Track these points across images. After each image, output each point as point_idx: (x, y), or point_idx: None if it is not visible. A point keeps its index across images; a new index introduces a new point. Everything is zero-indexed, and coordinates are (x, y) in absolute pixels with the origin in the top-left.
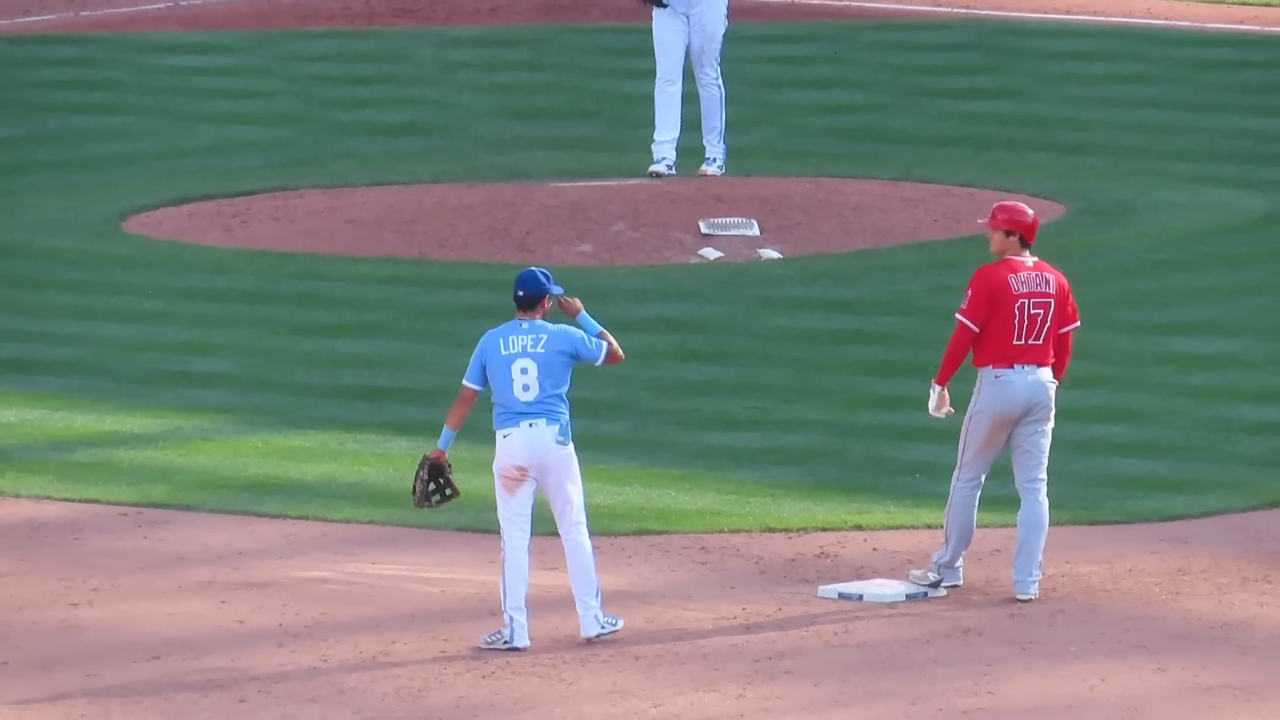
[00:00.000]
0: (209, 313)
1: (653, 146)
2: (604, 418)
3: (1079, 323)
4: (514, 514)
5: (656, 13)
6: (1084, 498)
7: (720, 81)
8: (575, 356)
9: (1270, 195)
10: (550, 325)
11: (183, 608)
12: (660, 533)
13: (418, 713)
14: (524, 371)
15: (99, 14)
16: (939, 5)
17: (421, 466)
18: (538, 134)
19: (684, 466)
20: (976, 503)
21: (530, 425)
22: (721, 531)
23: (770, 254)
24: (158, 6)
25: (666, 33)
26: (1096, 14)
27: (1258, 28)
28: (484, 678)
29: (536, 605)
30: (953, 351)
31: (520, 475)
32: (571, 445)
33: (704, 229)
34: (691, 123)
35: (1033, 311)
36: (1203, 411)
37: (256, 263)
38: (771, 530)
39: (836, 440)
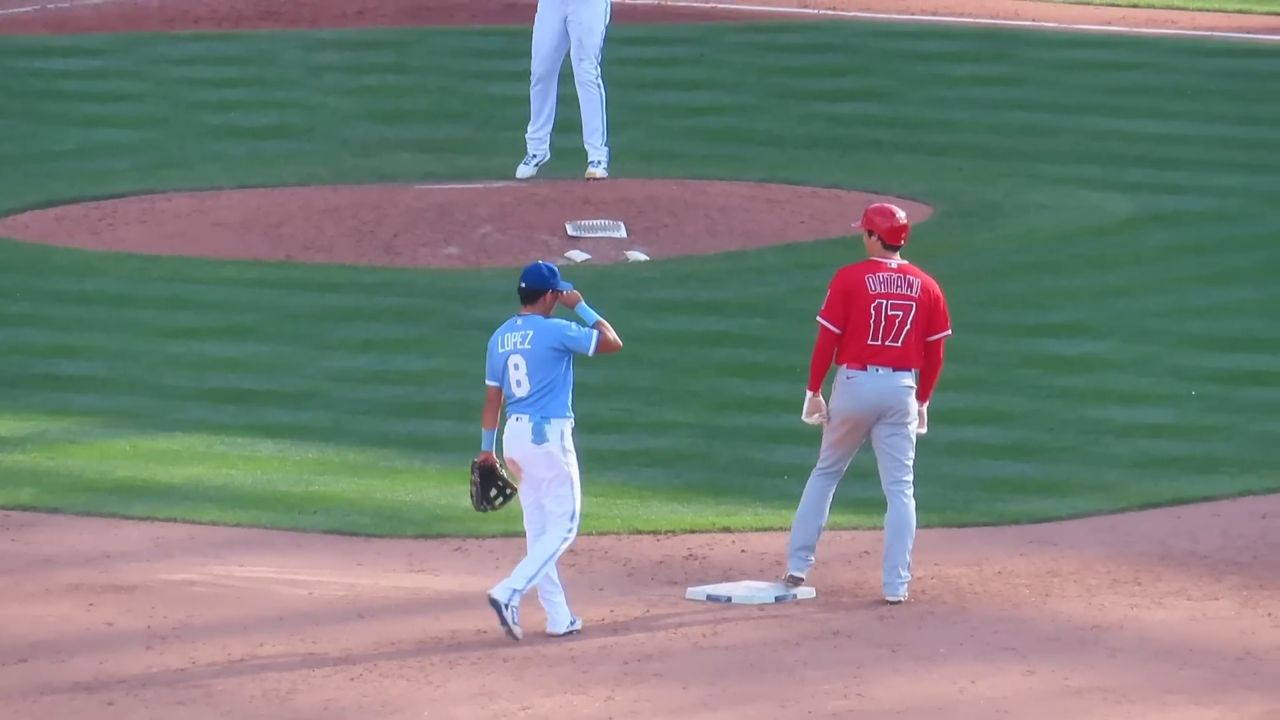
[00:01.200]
0: (76, 315)
1: (526, 137)
2: (472, 419)
3: (950, 331)
4: (525, 504)
5: (539, 8)
6: (953, 500)
7: (600, 81)
8: (564, 349)
9: (1137, 197)
10: (543, 320)
11: (50, 610)
12: None
13: (285, 715)
14: (516, 367)
15: None
16: (805, 7)
17: (472, 471)
18: (404, 136)
19: None
20: (827, 492)
21: (516, 420)
22: (589, 534)
23: (637, 256)
24: (25, 9)
25: (542, 31)
26: (963, 15)
27: (1124, 28)
28: (352, 680)
29: (404, 608)
30: (818, 355)
31: (516, 468)
32: (552, 446)
33: (571, 231)
34: (573, 125)
35: (890, 313)
36: (1070, 413)
37: (123, 265)
38: (639, 532)
39: (704, 442)
